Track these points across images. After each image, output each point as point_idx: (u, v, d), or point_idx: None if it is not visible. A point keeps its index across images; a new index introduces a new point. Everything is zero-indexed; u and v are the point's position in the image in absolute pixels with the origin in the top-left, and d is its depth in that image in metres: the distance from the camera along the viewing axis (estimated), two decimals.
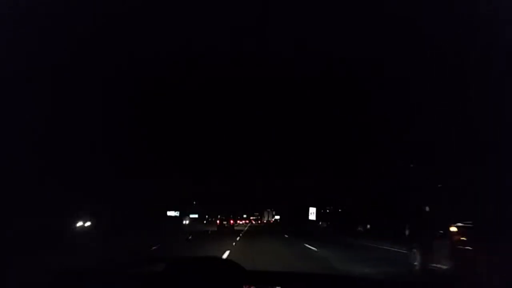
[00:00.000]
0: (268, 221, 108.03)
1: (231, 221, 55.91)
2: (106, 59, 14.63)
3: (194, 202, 62.62)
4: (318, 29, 13.75)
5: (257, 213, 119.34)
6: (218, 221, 51.35)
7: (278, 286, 1.92)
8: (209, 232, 33.72)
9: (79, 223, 25.07)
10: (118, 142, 23.46)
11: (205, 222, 73.84)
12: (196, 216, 68.42)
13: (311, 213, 48.89)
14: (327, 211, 48.33)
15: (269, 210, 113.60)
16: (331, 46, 14.27)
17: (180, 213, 56.81)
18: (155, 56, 14.87)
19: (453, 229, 6.70)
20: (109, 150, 23.14)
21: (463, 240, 6.35)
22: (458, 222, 6.65)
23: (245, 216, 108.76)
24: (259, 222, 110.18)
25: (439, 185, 9.28)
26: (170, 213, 53.10)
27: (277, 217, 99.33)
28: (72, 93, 16.50)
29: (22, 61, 12.64)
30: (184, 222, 57.29)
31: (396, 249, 13.15)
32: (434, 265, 7.11)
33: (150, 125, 25.60)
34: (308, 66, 17.39)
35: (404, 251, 10.27)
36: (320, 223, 47.49)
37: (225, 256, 10.83)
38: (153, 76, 18.43)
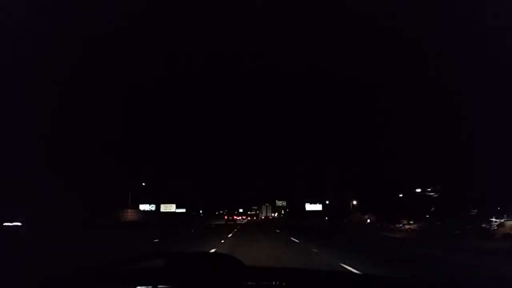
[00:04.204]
0: (266, 216, 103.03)
1: (235, 217, 74.83)
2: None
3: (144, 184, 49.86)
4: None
5: (255, 207, 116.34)
6: (225, 217, 68.30)
7: (278, 282, 1.87)
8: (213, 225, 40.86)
9: None
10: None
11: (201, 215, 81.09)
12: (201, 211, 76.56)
13: None
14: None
15: (267, 204, 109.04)
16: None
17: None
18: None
19: None
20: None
21: None
22: None
23: (241, 211, 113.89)
24: (255, 218, 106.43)
25: None
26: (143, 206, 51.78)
27: (317, 207, 64.57)
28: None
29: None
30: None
31: None
32: None
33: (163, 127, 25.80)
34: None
35: None
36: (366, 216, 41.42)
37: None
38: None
